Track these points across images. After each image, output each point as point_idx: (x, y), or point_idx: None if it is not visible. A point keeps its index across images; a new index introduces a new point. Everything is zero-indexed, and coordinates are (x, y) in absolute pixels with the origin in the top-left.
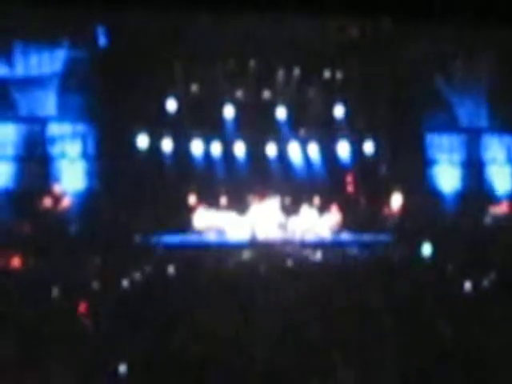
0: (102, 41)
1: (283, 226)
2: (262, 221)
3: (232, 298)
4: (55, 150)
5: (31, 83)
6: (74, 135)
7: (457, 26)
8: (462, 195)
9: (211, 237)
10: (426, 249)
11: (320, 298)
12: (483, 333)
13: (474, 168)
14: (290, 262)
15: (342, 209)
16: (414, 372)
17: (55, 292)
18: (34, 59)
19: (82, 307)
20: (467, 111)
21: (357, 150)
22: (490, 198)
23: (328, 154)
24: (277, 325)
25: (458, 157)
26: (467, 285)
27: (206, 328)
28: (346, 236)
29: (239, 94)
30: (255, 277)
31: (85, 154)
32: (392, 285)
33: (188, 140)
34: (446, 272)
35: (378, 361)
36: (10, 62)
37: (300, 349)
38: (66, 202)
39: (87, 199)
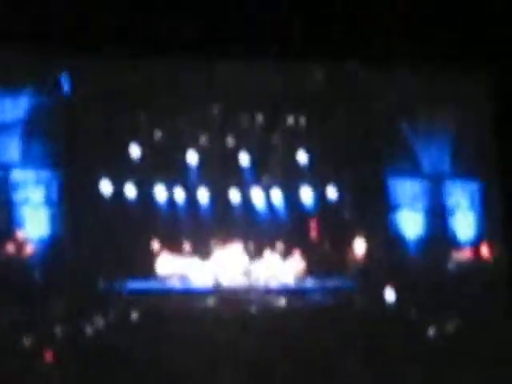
0: (66, 88)
1: (247, 272)
2: (225, 266)
3: (197, 346)
4: (18, 196)
5: None
6: (37, 181)
7: (420, 76)
8: (426, 241)
9: (175, 283)
10: (390, 295)
11: (284, 343)
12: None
13: (437, 214)
14: (253, 309)
15: (306, 254)
16: None
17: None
18: None
19: (48, 355)
20: (431, 157)
21: (320, 196)
22: (454, 243)
23: (291, 199)
24: (243, 371)
25: (421, 203)
26: (431, 330)
27: (172, 376)
28: (309, 282)
29: (203, 140)
30: (219, 323)
31: (48, 200)
32: (355, 331)
33: (151, 186)
34: (410, 318)
35: None
36: None
37: None
38: (29, 249)
39: (51, 245)
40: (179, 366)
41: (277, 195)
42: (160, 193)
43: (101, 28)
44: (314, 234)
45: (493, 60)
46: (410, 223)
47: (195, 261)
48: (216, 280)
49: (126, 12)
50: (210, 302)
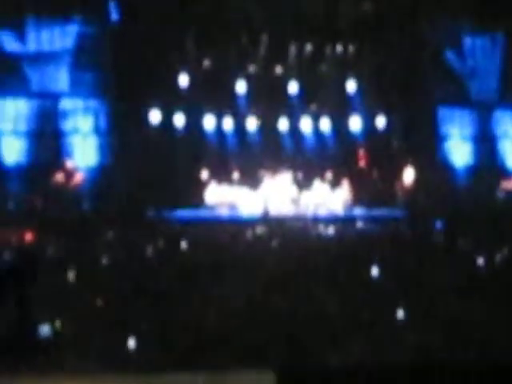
0: (114, 16)
1: (295, 201)
2: (274, 196)
3: (245, 274)
4: (67, 125)
5: (43, 58)
6: (86, 110)
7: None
8: (474, 170)
9: (223, 212)
10: (438, 225)
11: (331, 273)
12: (491, 307)
13: (485, 143)
14: (302, 238)
15: (355, 184)
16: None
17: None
18: (45, 35)
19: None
20: (479, 85)
21: (369, 125)
22: (502, 172)
23: (340, 128)
24: (288, 298)
25: (469, 131)
26: (480, 260)
27: (218, 302)
28: (358, 211)
29: (251, 68)
30: (268, 252)
31: (97, 130)
32: (405, 260)
33: (200, 115)
34: (459, 247)
35: (387, 333)
36: (21, 37)
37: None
38: (79, 178)
39: (100, 174)
40: (226, 293)
41: (326, 124)
42: (209, 122)
43: None
44: (362, 163)
45: None
46: (459, 153)
47: (244, 190)
48: (265, 209)
49: None
50: (259, 230)
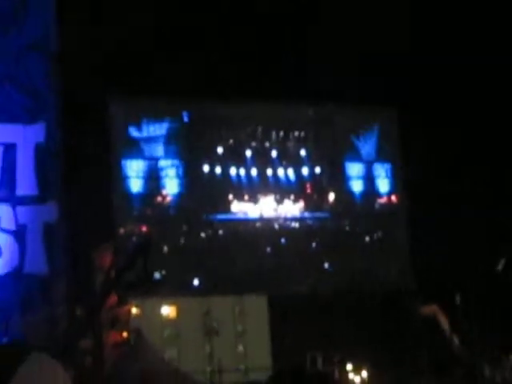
0: (186, 119)
1: (275, 210)
2: (265, 207)
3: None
4: (163, 173)
5: (151, 139)
6: (172, 166)
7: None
8: (363, 193)
9: (240, 215)
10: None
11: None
12: None
13: (368, 180)
14: (278, 228)
15: (305, 201)
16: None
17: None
18: (152, 127)
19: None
20: (366, 151)
21: (312, 172)
22: (377, 194)
23: (297, 173)
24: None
25: (361, 175)
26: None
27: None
28: (307, 214)
29: (253, 143)
30: (262, 236)
31: (177, 175)
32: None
33: (228, 167)
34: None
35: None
36: (139, 129)
37: None
38: (168, 199)
39: (178, 198)
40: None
41: (290, 171)
42: (232, 171)
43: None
44: (308, 191)
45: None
46: (357, 184)
47: (250, 205)
48: (260, 214)
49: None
50: (258, 225)
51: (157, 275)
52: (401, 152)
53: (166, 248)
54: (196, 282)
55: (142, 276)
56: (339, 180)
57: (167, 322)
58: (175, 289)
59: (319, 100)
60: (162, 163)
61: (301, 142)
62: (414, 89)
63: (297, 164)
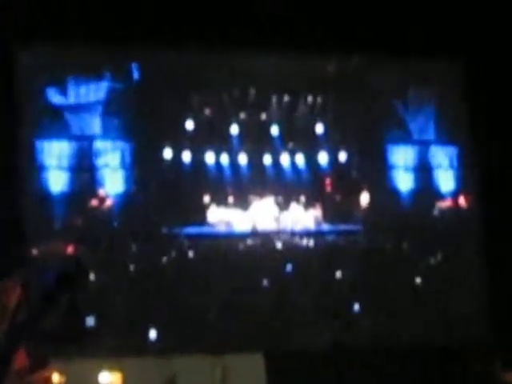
0: (136, 75)
1: (277, 219)
2: (260, 215)
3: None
4: (100, 161)
5: (81, 109)
6: (114, 149)
7: (409, 60)
8: (415, 193)
9: (221, 228)
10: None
11: (305, 277)
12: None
13: (423, 172)
14: (282, 247)
15: (323, 205)
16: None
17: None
18: (82, 90)
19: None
20: (418, 127)
21: (333, 159)
22: (437, 195)
23: (311, 162)
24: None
25: (411, 163)
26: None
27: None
28: (326, 226)
29: (242, 115)
30: (256, 260)
31: (123, 164)
32: (360, 264)
33: (203, 152)
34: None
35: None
36: (64, 92)
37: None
38: (109, 202)
39: (125, 200)
40: (226, 289)
41: (300, 159)
42: (209, 158)
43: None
44: (328, 188)
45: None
46: (403, 180)
47: (237, 211)
48: (253, 226)
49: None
50: (249, 242)
51: (90, 321)
52: (472, 130)
53: (105, 278)
54: (153, 333)
55: (67, 322)
56: (375, 173)
57: None
58: (120, 344)
59: (345, 49)
60: (99, 145)
61: (316, 113)
62: (489, 34)
63: (310, 147)
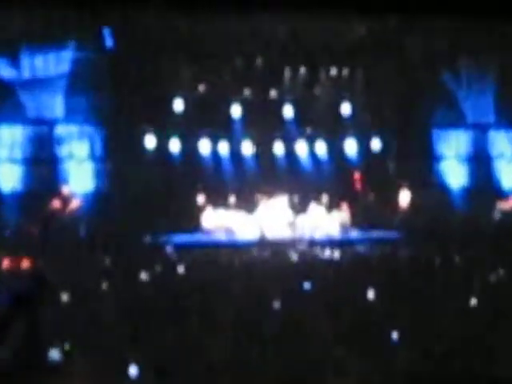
0: (109, 42)
1: (292, 225)
2: (270, 219)
3: (242, 298)
4: (63, 151)
5: (38, 85)
6: (81, 136)
7: (460, 21)
8: (470, 191)
9: (220, 236)
10: (434, 246)
11: (327, 297)
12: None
13: (480, 163)
14: (299, 261)
15: (351, 206)
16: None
17: (64, 294)
18: (40, 61)
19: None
20: (474, 106)
21: (364, 148)
22: (498, 193)
23: (335, 151)
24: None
25: (465, 152)
26: (476, 280)
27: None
28: (355, 234)
29: (246, 92)
30: (265, 275)
31: (92, 155)
32: (402, 283)
33: (195, 140)
34: (455, 267)
35: (385, 363)
36: (16, 64)
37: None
38: (75, 204)
39: (96, 200)
40: (222, 314)
41: (321, 147)
42: (204, 147)
43: None
44: (358, 185)
45: None
46: (454, 173)
47: (240, 214)
48: (261, 233)
49: None
50: (256, 254)
51: (54, 354)
52: None
53: (68, 299)
54: (133, 369)
55: (26, 353)
56: (418, 165)
57: None
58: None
59: (379, 6)
60: (62, 131)
61: (341, 88)
62: None
63: (334, 133)
